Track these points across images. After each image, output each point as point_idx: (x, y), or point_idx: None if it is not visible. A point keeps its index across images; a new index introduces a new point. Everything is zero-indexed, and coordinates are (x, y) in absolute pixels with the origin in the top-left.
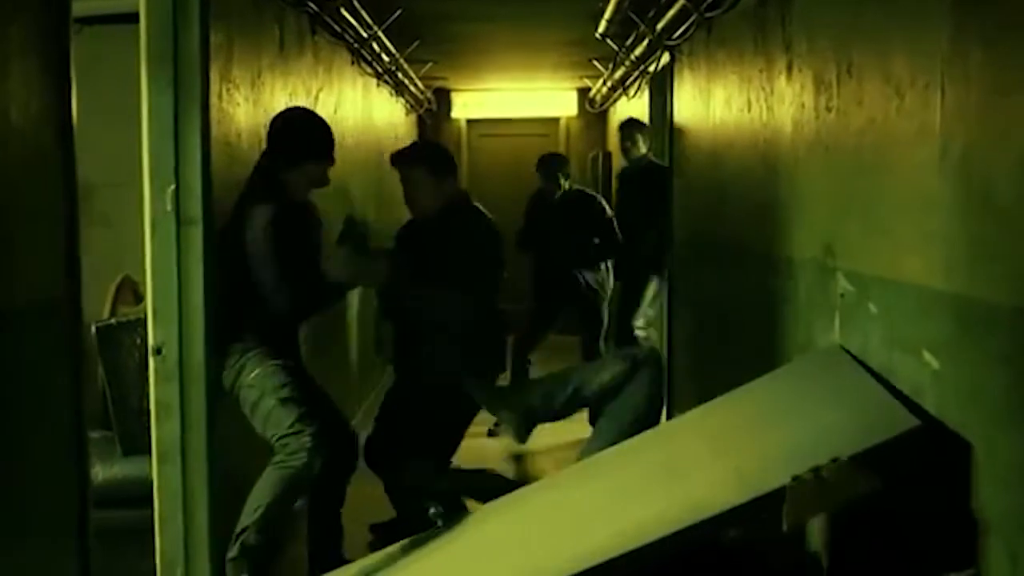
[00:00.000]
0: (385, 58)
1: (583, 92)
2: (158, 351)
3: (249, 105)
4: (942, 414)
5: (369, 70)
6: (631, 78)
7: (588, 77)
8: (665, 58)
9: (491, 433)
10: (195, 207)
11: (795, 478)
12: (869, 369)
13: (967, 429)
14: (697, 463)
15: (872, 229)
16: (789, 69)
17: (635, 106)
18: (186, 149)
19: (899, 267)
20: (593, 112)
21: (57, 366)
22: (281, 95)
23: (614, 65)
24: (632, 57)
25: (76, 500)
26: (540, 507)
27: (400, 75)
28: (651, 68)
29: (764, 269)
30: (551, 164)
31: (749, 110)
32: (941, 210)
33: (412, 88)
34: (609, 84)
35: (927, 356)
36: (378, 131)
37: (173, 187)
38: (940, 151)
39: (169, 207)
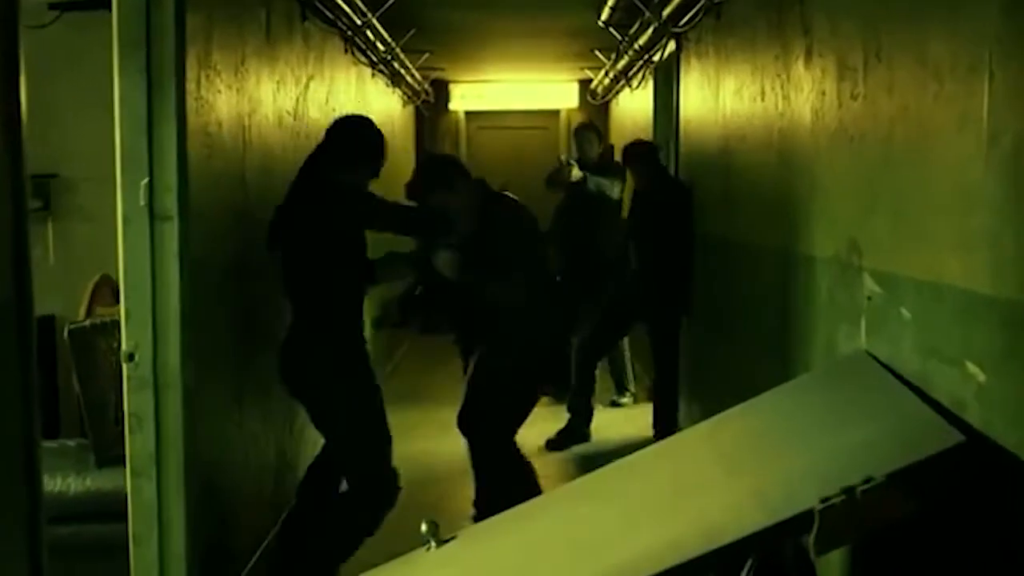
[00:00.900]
0: (380, 47)
1: (584, 84)
2: (130, 357)
3: (232, 93)
4: (988, 429)
5: (363, 59)
6: (634, 68)
7: (590, 68)
8: (671, 46)
9: (550, 445)
10: (170, 202)
11: (824, 500)
12: (901, 378)
13: (1018, 447)
14: (711, 482)
15: (904, 226)
16: (808, 54)
17: (638, 98)
18: (160, 140)
19: (937, 268)
20: (595, 104)
21: (2, 371)
22: (268, 83)
23: (617, 55)
24: (636, 46)
25: (24, 517)
26: (540, 528)
27: (396, 65)
28: (656, 57)
29: (779, 268)
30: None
31: (763, 99)
32: (986, 206)
33: (409, 79)
34: (611, 75)
35: (971, 367)
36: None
37: (146, 181)
38: (987, 141)
39: (142, 202)
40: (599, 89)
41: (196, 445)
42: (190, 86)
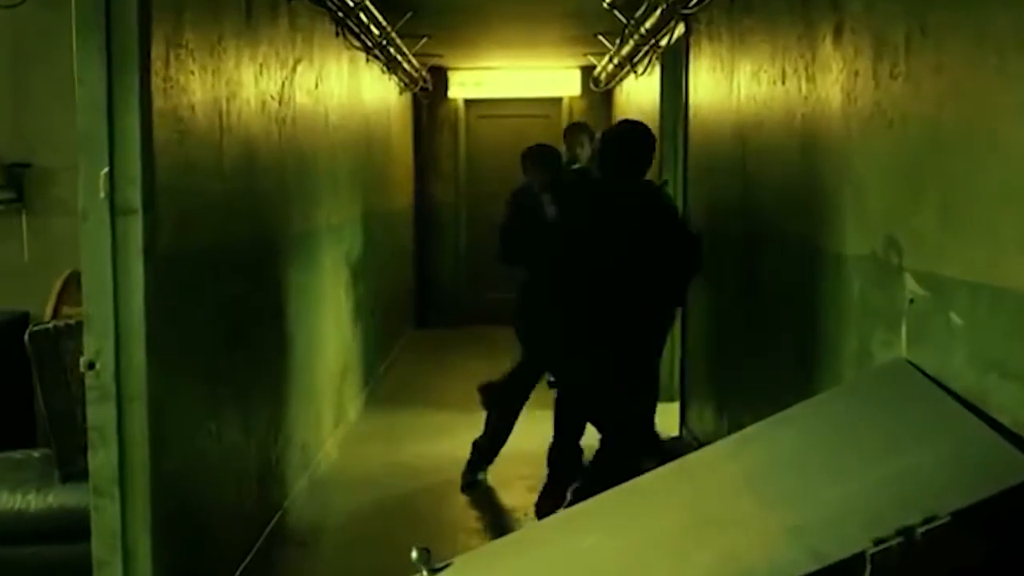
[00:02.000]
0: (374, 31)
1: (587, 71)
2: (91, 365)
3: (207, 75)
4: None
5: (356, 43)
6: (640, 53)
7: (593, 54)
8: (679, 29)
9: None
10: (133, 194)
11: (877, 542)
12: (952, 393)
13: None
14: (738, 513)
15: (955, 221)
16: (838, 32)
17: (644, 85)
18: (122, 125)
19: (996, 270)
20: (598, 92)
21: None
22: (249, 65)
23: (622, 39)
24: (642, 30)
25: None
26: (538, 563)
27: (392, 50)
28: (663, 41)
29: (802, 266)
30: None
31: (783, 82)
32: None
33: (406, 65)
34: (616, 61)
35: None
36: (368, 110)
37: (106, 170)
38: None
39: (102, 193)
40: (602, 76)
41: (165, 461)
42: (156, 66)
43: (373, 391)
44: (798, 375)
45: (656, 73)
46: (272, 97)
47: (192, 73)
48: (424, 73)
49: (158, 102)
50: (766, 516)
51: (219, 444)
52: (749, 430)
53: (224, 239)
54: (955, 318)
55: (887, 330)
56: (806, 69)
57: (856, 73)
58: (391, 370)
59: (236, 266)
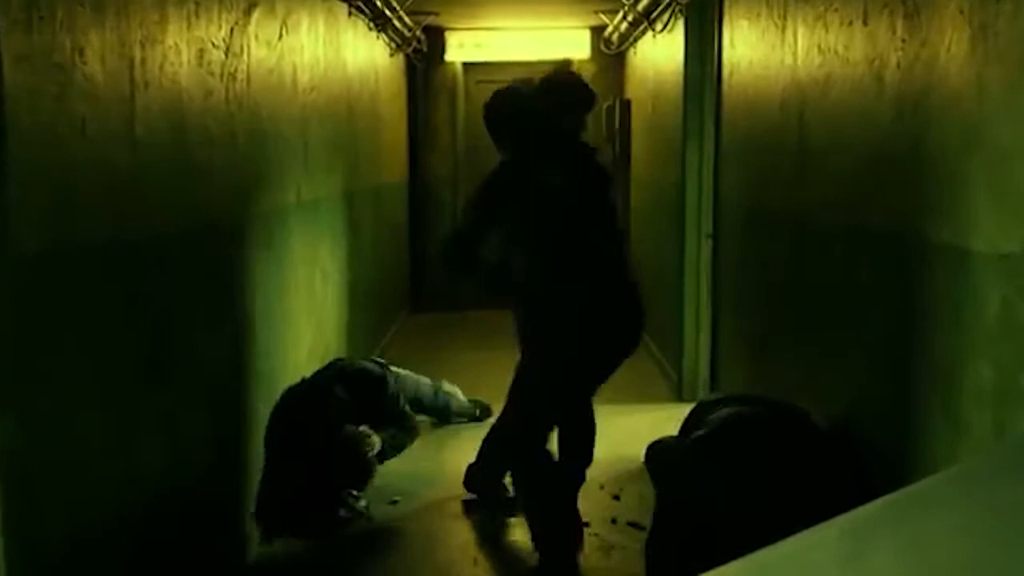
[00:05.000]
0: None
1: (598, 31)
2: None
3: (108, 9)
4: None
5: None
6: (659, 7)
7: (604, 12)
8: None
9: None
10: None
11: None
12: None
13: None
14: None
15: None
16: None
17: (663, 44)
18: None
19: None
20: (609, 54)
21: None
22: (179, 2)
23: None
24: None
25: None
26: None
27: (379, 3)
28: None
29: (892, 263)
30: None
31: (866, 22)
32: None
33: (396, 23)
34: (631, 18)
35: None
36: (351, 71)
37: None
38: None
39: None
40: (614, 37)
41: (25, 526)
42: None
43: None
44: (881, 411)
45: (678, 30)
46: (215, 45)
47: (81, 5)
48: (418, 33)
49: (15, 40)
50: None
51: (131, 486)
52: (858, 517)
53: (139, 227)
54: None
55: None
56: (904, 4)
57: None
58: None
59: (160, 261)
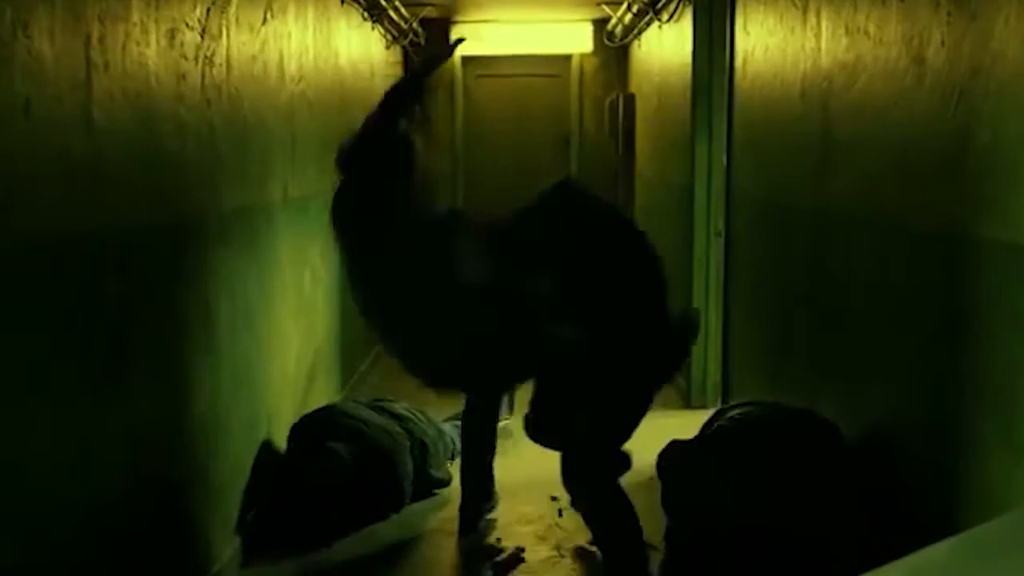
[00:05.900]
0: None
1: (600, 24)
2: None
3: None
4: None
5: None
6: None
7: (608, 3)
8: None
9: None
10: None
11: None
12: None
13: None
14: None
15: None
16: None
17: (669, 36)
18: None
19: None
20: (612, 47)
21: None
22: None
23: None
24: None
25: None
26: None
27: None
28: None
29: (933, 261)
30: None
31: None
32: None
33: (392, 14)
34: (635, 9)
35: None
36: (344, 62)
37: None
38: None
39: None
40: (618, 29)
41: None
42: None
43: (354, 392)
44: (918, 425)
45: (686, 19)
46: (188, 26)
47: None
48: (415, 25)
49: None
50: None
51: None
52: (924, 560)
53: (95, 222)
54: None
55: None
56: None
57: None
58: (377, 366)
59: (122, 260)
